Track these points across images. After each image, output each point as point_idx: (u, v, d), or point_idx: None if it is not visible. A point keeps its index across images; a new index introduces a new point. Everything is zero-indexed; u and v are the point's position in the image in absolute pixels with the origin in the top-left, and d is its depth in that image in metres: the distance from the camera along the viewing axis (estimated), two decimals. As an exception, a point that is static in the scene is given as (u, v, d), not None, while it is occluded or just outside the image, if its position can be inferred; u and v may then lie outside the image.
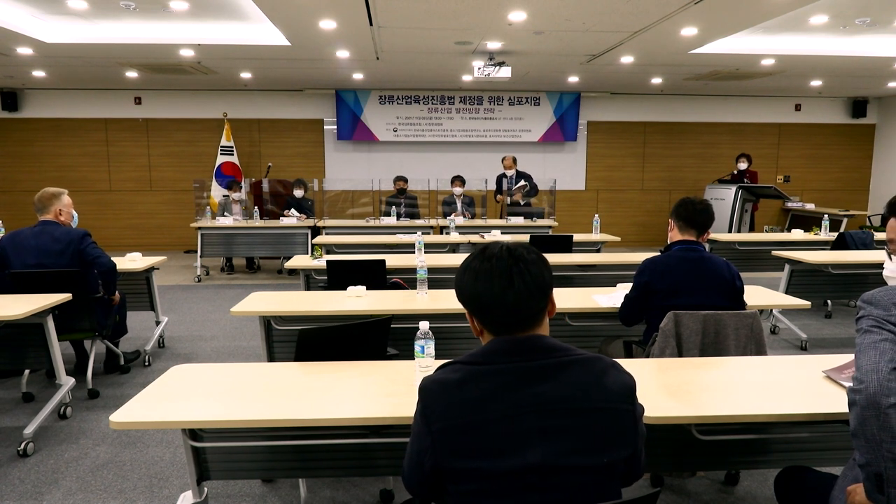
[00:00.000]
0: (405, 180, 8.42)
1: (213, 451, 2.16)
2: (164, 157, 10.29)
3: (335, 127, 10.28)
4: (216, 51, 7.08)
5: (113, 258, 4.04)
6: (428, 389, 1.32)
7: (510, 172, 8.37)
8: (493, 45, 6.78)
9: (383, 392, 1.98)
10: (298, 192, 8.37)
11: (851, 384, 1.41)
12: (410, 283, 3.96)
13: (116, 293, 4.13)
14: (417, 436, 1.33)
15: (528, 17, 5.60)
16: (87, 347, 4.19)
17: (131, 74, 8.60)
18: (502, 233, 6.65)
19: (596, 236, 6.52)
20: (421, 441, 1.31)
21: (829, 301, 6.02)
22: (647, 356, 2.74)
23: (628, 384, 1.32)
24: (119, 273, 4.12)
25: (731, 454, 2.25)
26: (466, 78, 8.89)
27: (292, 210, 8.13)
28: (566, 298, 3.37)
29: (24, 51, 7.00)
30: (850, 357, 2.25)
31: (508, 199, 8.25)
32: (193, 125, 10.24)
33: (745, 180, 9.17)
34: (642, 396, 1.37)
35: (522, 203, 8.21)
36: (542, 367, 1.28)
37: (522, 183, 8.23)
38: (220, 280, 7.95)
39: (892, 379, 1.34)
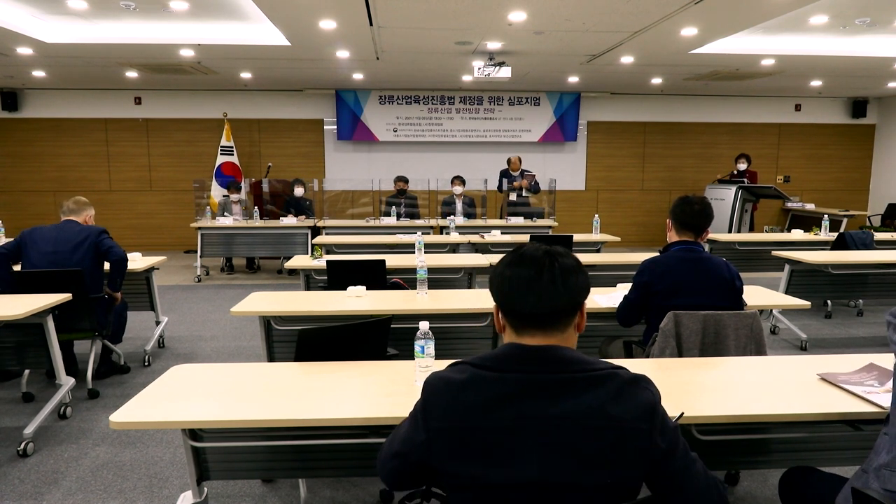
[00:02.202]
0: (405, 181, 8.42)
1: (213, 451, 2.16)
2: (164, 157, 10.29)
3: (335, 127, 10.28)
4: (216, 51, 7.08)
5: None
6: (432, 385, 1.31)
7: (515, 173, 8.39)
8: (493, 45, 6.78)
9: (383, 392, 1.98)
10: (299, 191, 8.39)
11: None
12: (410, 283, 3.96)
13: (119, 294, 4.14)
14: (413, 428, 1.32)
15: (528, 17, 5.60)
16: (86, 348, 4.18)
17: (131, 74, 8.60)
18: (502, 233, 6.65)
19: (596, 236, 6.53)
20: (415, 434, 1.30)
21: (829, 301, 6.02)
22: (647, 356, 2.74)
23: (647, 402, 1.25)
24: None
25: (731, 454, 2.25)
26: (466, 78, 8.89)
27: (291, 211, 8.16)
28: (566, 298, 3.35)
29: (24, 51, 7.00)
30: (849, 358, 2.25)
31: (513, 195, 8.26)
32: (193, 125, 10.24)
33: (745, 180, 9.18)
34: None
35: (525, 193, 8.23)
36: (550, 381, 1.24)
37: (533, 174, 8.28)
38: (220, 280, 7.95)
39: None
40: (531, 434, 1.21)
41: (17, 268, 3.92)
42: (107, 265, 4.07)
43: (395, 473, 1.38)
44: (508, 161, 8.50)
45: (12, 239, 4.06)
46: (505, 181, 8.45)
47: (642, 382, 1.28)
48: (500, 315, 1.37)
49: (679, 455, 1.28)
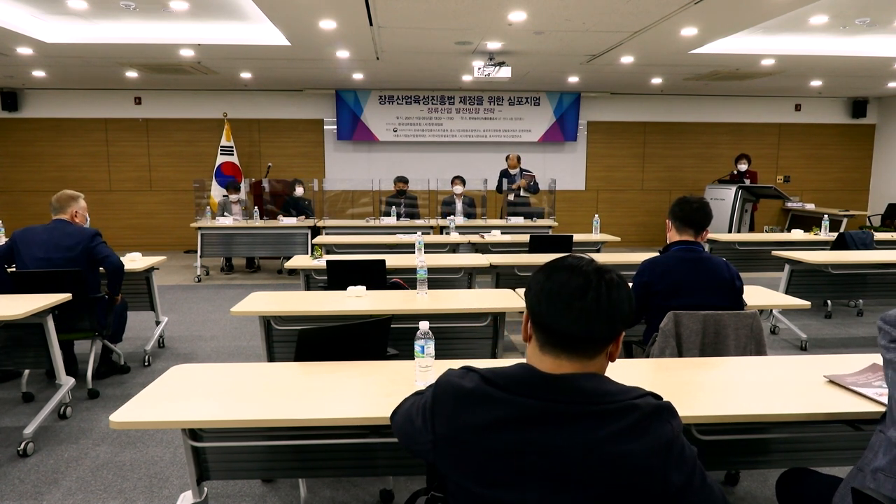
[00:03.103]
0: (405, 181, 8.42)
1: (213, 451, 2.16)
2: (164, 157, 10.29)
3: (335, 127, 10.28)
4: (216, 51, 7.08)
5: (117, 258, 4.06)
6: (441, 387, 1.28)
7: (514, 171, 8.38)
8: (493, 45, 6.78)
9: (383, 392, 1.97)
10: (298, 191, 8.41)
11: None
12: (410, 283, 3.96)
13: (119, 294, 4.13)
14: (422, 422, 1.29)
15: (528, 17, 5.60)
16: (86, 348, 4.18)
17: (131, 74, 8.60)
18: (502, 233, 6.65)
19: (596, 236, 6.52)
20: (424, 431, 1.29)
21: (829, 301, 6.02)
22: (647, 356, 2.74)
23: (664, 437, 1.17)
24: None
25: (731, 454, 2.25)
26: (466, 78, 8.89)
27: (291, 212, 8.17)
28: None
29: (24, 51, 7.00)
30: (849, 358, 2.25)
31: (512, 195, 8.26)
32: (193, 125, 10.24)
33: (745, 180, 9.18)
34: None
35: (524, 192, 8.22)
36: (562, 412, 1.17)
37: (532, 173, 8.28)
38: (220, 280, 7.95)
39: None
40: (533, 461, 1.16)
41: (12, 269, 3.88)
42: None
43: (405, 447, 1.39)
44: (506, 158, 8.48)
45: (6, 240, 3.99)
46: (505, 181, 8.44)
47: (664, 414, 1.19)
48: (529, 324, 1.27)
49: (696, 487, 1.20)
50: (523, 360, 1.29)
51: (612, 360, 1.27)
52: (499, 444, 1.18)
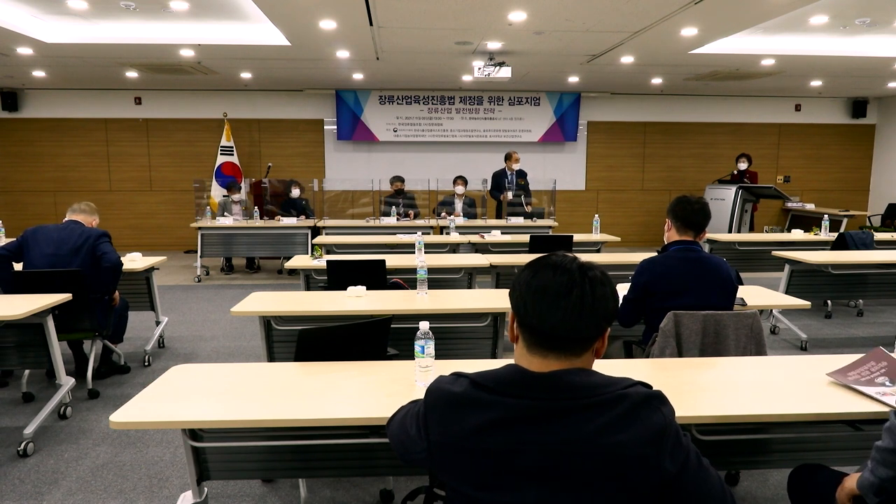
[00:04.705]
0: (402, 180, 8.41)
1: (213, 451, 2.16)
2: (164, 157, 10.29)
3: (335, 127, 10.28)
4: (216, 51, 7.08)
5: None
6: (432, 395, 1.28)
7: (516, 166, 8.31)
8: (493, 45, 6.78)
9: (383, 392, 1.97)
10: (295, 192, 8.41)
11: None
12: (410, 283, 3.96)
13: (116, 294, 4.13)
14: (416, 431, 1.30)
15: (528, 17, 5.61)
16: (87, 348, 4.18)
17: (131, 74, 8.60)
18: (502, 233, 6.64)
19: (596, 236, 6.52)
20: (418, 439, 1.29)
21: (829, 301, 6.02)
22: (647, 356, 2.74)
23: (655, 425, 1.16)
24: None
25: (731, 454, 2.25)
26: (466, 78, 8.89)
27: (291, 212, 8.18)
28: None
29: (24, 51, 7.00)
30: (849, 358, 2.25)
31: (510, 195, 8.24)
32: (193, 125, 10.24)
33: (745, 180, 9.18)
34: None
35: (527, 209, 8.21)
36: (554, 408, 1.17)
37: (522, 179, 8.26)
38: (220, 280, 7.95)
39: None
40: (529, 460, 1.16)
41: (20, 266, 3.92)
42: None
43: (400, 455, 1.39)
44: (509, 156, 8.37)
45: (13, 239, 4.04)
46: (506, 181, 8.40)
47: (654, 402, 1.19)
48: (515, 325, 1.28)
49: (692, 471, 1.21)
50: (512, 361, 1.29)
51: (599, 357, 1.27)
52: (492, 446, 1.17)
